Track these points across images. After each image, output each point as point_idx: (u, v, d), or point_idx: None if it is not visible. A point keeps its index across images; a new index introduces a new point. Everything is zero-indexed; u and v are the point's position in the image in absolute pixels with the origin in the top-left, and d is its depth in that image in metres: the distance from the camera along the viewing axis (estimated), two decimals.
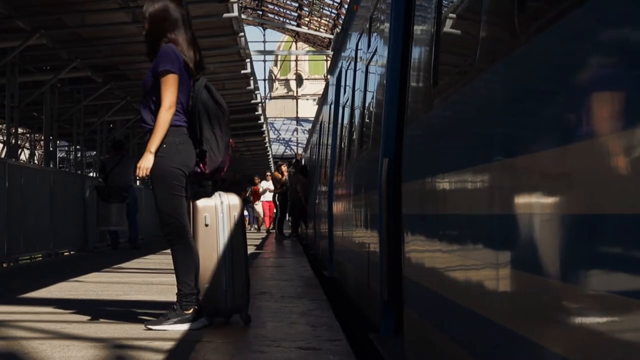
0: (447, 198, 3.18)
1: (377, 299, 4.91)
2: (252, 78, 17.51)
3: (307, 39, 41.33)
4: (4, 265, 10.90)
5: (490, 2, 2.62)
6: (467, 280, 2.83)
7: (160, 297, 6.46)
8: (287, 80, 55.18)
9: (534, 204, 2.14)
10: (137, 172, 4.77)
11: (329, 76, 15.23)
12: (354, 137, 7.07)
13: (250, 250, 13.39)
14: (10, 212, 10.58)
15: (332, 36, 30.99)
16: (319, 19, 37.47)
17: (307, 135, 33.30)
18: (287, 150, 42.86)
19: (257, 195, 27.32)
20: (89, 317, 5.37)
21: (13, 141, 14.32)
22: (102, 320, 5.27)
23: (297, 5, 36.40)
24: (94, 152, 20.86)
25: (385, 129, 4.91)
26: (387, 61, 5.04)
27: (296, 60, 53.07)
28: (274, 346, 4.24)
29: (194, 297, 4.78)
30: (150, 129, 4.80)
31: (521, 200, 2.24)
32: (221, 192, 5.07)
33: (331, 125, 10.88)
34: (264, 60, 46.46)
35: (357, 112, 7.11)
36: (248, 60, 15.64)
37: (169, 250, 4.91)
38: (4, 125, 15.55)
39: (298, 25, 38.54)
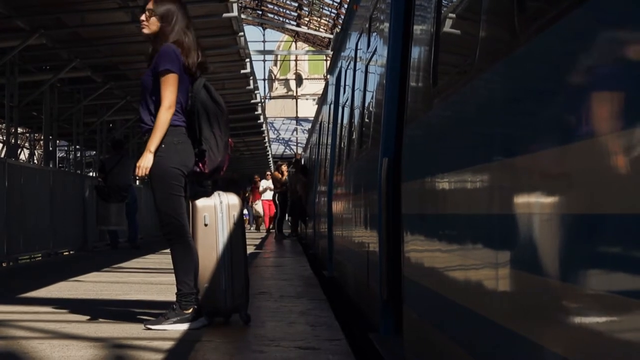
0: (446, 198, 3.18)
1: (376, 299, 4.91)
2: (251, 78, 17.51)
3: (307, 38, 41.33)
4: (4, 264, 10.90)
5: (490, 2, 2.62)
6: (466, 280, 2.83)
7: (160, 297, 6.46)
8: (286, 80, 55.17)
9: (534, 203, 2.14)
10: (137, 172, 4.78)
11: (328, 76, 15.23)
12: (354, 136, 7.07)
13: (250, 249, 13.40)
14: (10, 212, 10.58)
15: (331, 36, 31.01)
16: (319, 19, 37.47)
17: (306, 135, 33.29)
18: (286, 150, 42.86)
19: (257, 195, 27.32)
20: (88, 317, 5.37)
21: (13, 141, 14.33)
22: (101, 319, 5.27)
23: (296, 5, 36.40)
24: (94, 152, 20.86)
25: (385, 128, 4.91)
26: (387, 61, 5.04)
27: (296, 60, 53.05)
28: (274, 346, 4.24)
29: (193, 297, 4.78)
30: (148, 128, 4.80)
31: (521, 200, 2.24)
32: (220, 192, 5.07)
33: (331, 125, 10.88)
34: (264, 60, 46.49)
35: (356, 112, 7.11)
36: (248, 60, 15.64)
37: (168, 250, 4.91)
38: (4, 125, 15.54)
39: (298, 25, 38.54)
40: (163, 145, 4.74)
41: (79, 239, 14.13)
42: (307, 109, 45.86)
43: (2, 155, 17.76)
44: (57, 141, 16.86)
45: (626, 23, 1.62)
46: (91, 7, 11.61)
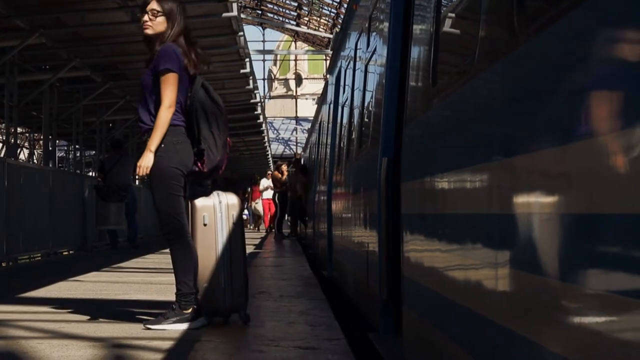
0: (446, 197, 3.18)
1: (376, 299, 4.91)
2: (251, 77, 17.50)
3: (307, 38, 41.33)
4: (3, 264, 10.89)
5: (489, 2, 2.62)
6: (466, 280, 2.83)
7: (159, 297, 6.46)
8: (286, 80, 55.16)
9: (533, 203, 2.14)
10: (137, 171, 4.78)
11: (328, 76, 15.23)
12: (353, 136, 7.07)
13: (249, 249, 13.40)
14: (10, 212, 10.58)
15: (331, 36, 31.00)
16: (318, 19, 37.47)
17: (306, 135, 33.30)
18: (286, 150, 42.85)
19: (257, 193, 27.32)
20: (87, 317, 5.37)
21: (12, 140, 14.32)
22: (101, 319, 5.26)
23: (296, 4, 36.40)
24: (93, 152, 20.84)
25: (385, 128, 4.91)
26: (387, 60, 5.04)
27: (295, 60, 53.04)
28: (273, 345, 4.24)
29: (192, 297, 4.78)
30: (147, 128, 4.80)
31: (520, 199, 2.24)
32: (219, 192, 5.07)
33: (330, 125, 10.87)
34: (263, 60, 46.45)
35: (356, 112, 7.11)
36: (247, 59, 15.63)
37: (167, 250, 4.91)
38: (4, 124, 15.54)
39: (297, 25, 38.54)
40: (163, 145, 4.74)
41: (79, 238, 14.13)
42: (307, 108, 45.86)
43: (2, 155, 17.76)
44: (57, 141, 16.85)
45: (625, 23, 1.62)
46: (91, 6, 11.61)
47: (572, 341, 1.85)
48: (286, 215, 22.02)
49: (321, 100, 16.86)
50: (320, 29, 38.14)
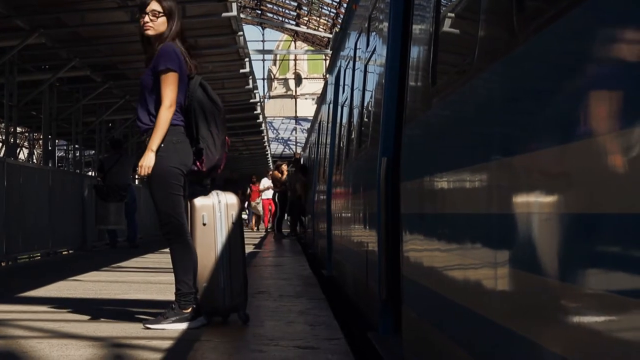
0: (445, 197, 3.18)
1: (375, 298, 4.91)
2: (250, 77, 17.50)
3: (306, 38, 41.34)
4: (3, 264, 10.90)
5: (488, 2, 2.62)
6: (465, 280, 2.83)
7: (159, 296, 6.46)
8: (286, 80, 55.16)
9: (533, 203, 2.14)
10: (139, 171, 4.78)
11: (327, 75, 15.23)
12: (353, 136, 7.07)
13: (249, 249, 13.40)
14: (9, 211, 10.58)
15: (331, 35, 30.97)
16: (318, 19, 37.48)
17: (305, 135, 33.30)
18: (285, 150, 42.86)
19: (256, 194, 27.31)
20: (87, 316, 5.37)
21: (12, 140, 14.32)
22: (100, 319, 5.27)
23: (295, 4, 36.40)
24: (93, 151, 20.84)
25: (384, 128, 4.91)
26: (386, 60, 5.05)
27: (295, 60, 53.04)
28: (272, 345, 4.24)
29: (192, 296, 4.78)
30: (147, 128, 4.80)
31: (519, 199, 2.24)
32: (219, 191, 5.07)
33: (330, 125, 10.87)
34: (263, 60, 46.49)
35: (355, 112, 7.11)
36: (247, 59, 15.63)
37: (167, 250, 4.91)
38: (3, 124, 15.53)
39: (297, 25, 38.54)
40: (162, 145, 4.74)
41: (78, 238, 14.13)
42: (306, 108, 45.87)
43: (1, 155, 17.76)
44: (56, 140, 16.85)
45: (625, 23, 1.62)
46: (90, 6, 11.61)
47: (572, 341, 1.86)
48: (286, 215, 22.01)
49: (321, 100, 16.86)
50: (320, 29, 38.15)
